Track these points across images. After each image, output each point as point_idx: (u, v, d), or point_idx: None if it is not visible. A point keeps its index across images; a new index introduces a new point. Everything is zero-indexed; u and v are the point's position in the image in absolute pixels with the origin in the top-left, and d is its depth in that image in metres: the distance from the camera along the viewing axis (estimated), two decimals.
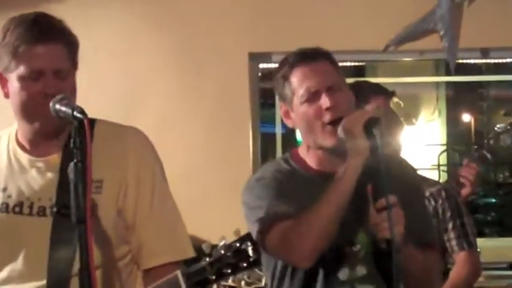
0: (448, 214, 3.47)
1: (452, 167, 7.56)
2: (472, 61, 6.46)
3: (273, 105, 5.55)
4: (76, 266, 1.98)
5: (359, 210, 2.26)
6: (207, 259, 1.89)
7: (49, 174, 2.21)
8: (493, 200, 9.30)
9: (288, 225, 2.24)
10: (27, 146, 2.25)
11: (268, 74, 5.28)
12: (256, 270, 2.06)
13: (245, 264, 1.88)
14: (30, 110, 2.17)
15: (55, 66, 2.15)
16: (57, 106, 2.07)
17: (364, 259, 2.32)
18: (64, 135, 2.21)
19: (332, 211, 2.21)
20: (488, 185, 9.07)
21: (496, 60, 6.32)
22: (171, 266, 2.16)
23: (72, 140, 1.95)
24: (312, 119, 2.32)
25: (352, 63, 6.67)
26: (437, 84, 8.45)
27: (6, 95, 2.21)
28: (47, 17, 2.20)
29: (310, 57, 2.36)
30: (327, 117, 2.30)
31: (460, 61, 5.41)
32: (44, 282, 2.14)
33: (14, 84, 2.16)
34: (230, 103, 5.12)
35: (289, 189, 2.34)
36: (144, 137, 2.30)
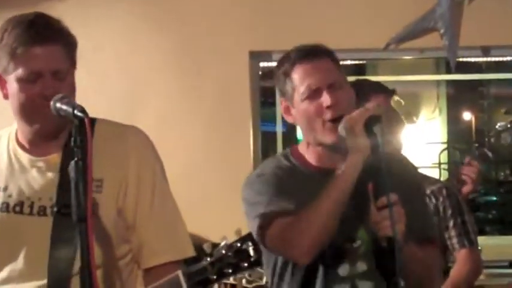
0: (449, 212, 3.47)
1: (453, 165, 7.56)
2: (473, 59, 6.47)
3: (273, 104, 5.54)
4: (76, 266, 1.98)
5: (360, 208, 2.27)
6: (208, 259, 1.90)
7: (49, 174, 2.20)
8: (494, 198, 9.31)
9: (288, 221, 2.25)
10: (27, 146, 2.25)
11: (268, 73, 5.27)
12: (257, 268, 2.05)
13: (246, 264, 1.88)
14: (29, 111, 2.17)
15: (53, 67, 2.14)
16: (58, 105, 2.07)
17: (365, 255, 2.33)
18: (64, 134, 2.21)
19: (331, 207, 2.22)
20: (489, 183, 9.07)
21: (497, 58, 6.32)
22: (171, 265, 2.16)
23: (72, 139, 1.95)
24: (313, 116, 2.33)
25: (353, 62, 6.68)
26: (438, 82, 8.44)
27: (6, 96, 2.20)
28: (45, 18, 2.19)
29: (312, 54, 2.37)
30: (328, 115, 2.31)
31: (461, 59, 5.41)
32: (45, 281, 2.13)
33: (12, 85, 2.16)
34: (230, 102, 5.12)
35: (289, 185, 2.35)
36: (145, 137, 2.30)
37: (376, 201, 2.20)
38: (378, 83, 3.40)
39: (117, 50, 5.16)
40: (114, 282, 2.21)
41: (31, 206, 2.19)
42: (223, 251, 1.88)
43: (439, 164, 7.46)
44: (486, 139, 7.49)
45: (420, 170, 2.91)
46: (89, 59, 4.50)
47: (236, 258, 1.88)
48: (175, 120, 5.11)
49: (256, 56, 5.23)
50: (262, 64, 5.38)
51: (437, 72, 8.13)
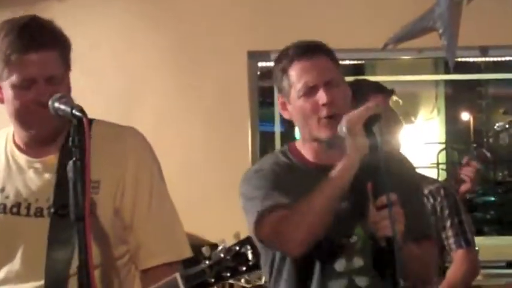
0: (446, 212, 3.47)
1: (451, 166, 7.56)
2: (471, 59, 6.47)
3: (271, 104, 5.54)
4: (74, 266, 1.97)
5: (358, 206, 2.29)
6: (207, 262, 1.90)
7: (46, 175, 2.20)
8: (492, 199, 9.31)
9: (282, 214, 2.27)
10: (24, 147, 2.24)
11: (267, 73, 5.27)
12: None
13: (244, 268, 1.89)
14: (24, 117, 2.17)
15: (48, 73, 2.13)
16: (56, 104, 2.06)
17: (361, 251, 2.34)
18: (61, 136, 2.21)
19: (325, 203, 2.24)
20: (488, 183, 9.07)
21: (495, 59, 6.32)
22: (168, 266, 2.17)
23: (71, 139, 1.95)
24: (309, 113, 2.34)
25: (352, 62, 6.68)
26: (436, 82, 8.45)
27: (1, 101, 2.20)
28: (39, 22, 2.17)
29: (309, 51, 2.38)
30: (323, 112, 2.33)
31: (459, 59, 5.39)
32: (42, 282, 2.13)
33: (7, 92, 2.15)
34: (229, 102, 5.12)
35: (287, 181, 2.36)
36: (142, 138, 2.30)
37: (375, 201, 2.21)
38: (376, 83, 3.40)
39: (114, 48, 5.15)
40: (112, 282, 2.21)
41: (28, 207, 2.19)
42: (222, 254, 1.89)
43: (437, 164, 7.46)
44: (484, 139, 7.50)
45: (418, 170, 2.91)
46: (86, 57, 4.51)
47: (234, 261, 1.88)
48: (173, 120, 5.10)
49: (254, 56, 5.23)
50: (260, 64, 5.37)
51: (436, 72, 8.14)
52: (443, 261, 3.50)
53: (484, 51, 5.23)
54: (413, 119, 8.01)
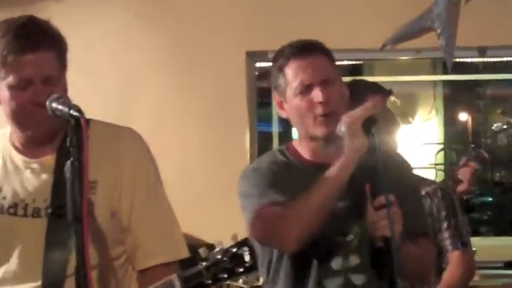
0: (443, 213, 3.47)
1: (449, 166, 7.55)
2: (469, 60, 6.47)
3: (269, 104, 5.54)
4: (71, 267, 1.97)
5: (355, 205, 2.30)
6: (204, 263, 1.90)
7: (44, 176, 2.20)
8: (490, 199, 9.31)
9: (278, 211, 2.28)
10: (21, 148, 2.24)
11: (265, 73, 5.27)
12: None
13: (241, 270, 1.89)
14: (20, 118, 2.17)
15: (44, 74, 2.13)
16: (54, 104, 2.06)
17: (358, 249, 2.35)
18: (59, 137, 2.21)
19: (321, 201, 2.25)
20: (485, 184, 9.07)
21: (493, 59, 6.32)
22: (165, 267, 2.17)
23: (68, 139, 1.94)
24: (305, 112, 2.35)
25: (350, 62, 6.67)
26: (434, 83, 8.45)
27: None
28: (36, 22, 2.16)
29: (306, 50, 2.39)
30: (319, 110, 2.34)
31: (457, 60, 5.40)
32: (39, 283, 2.13)
33: (4, 92, 2.15)
34: (227, 102, 5.12)
35: (284, 179, 2.38)
36: (140, 138, 2.30)
37: (373, 201, 2.21)
38: (374, 83, 3.41)
39: (111, 48, 5.15)
40: (109, 283, 2.21)
41: (25, 208, 2.19)
42: (219, 256, 1.89)
43: (435, 164, 7.46)
44: (482, 140, 7.50)
45: (416, 171, 2.91)
46: (83, 57, 4.51)
47: (232, 263, 1.89)
48: (171, 120, 5.10)
49: (253, 56, 5.23)
50: (258, 64, 5.37)
51: (434, 73, 8.14)
52: (440, 263, 3.50)
53: (482, 51, 5.23)
54: (411, 119, 8.00)
